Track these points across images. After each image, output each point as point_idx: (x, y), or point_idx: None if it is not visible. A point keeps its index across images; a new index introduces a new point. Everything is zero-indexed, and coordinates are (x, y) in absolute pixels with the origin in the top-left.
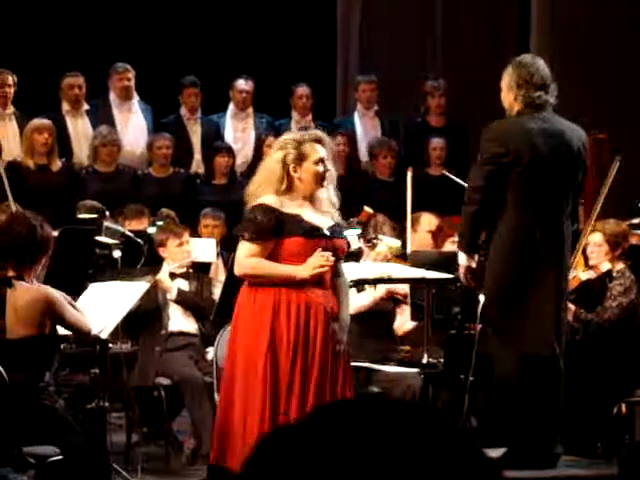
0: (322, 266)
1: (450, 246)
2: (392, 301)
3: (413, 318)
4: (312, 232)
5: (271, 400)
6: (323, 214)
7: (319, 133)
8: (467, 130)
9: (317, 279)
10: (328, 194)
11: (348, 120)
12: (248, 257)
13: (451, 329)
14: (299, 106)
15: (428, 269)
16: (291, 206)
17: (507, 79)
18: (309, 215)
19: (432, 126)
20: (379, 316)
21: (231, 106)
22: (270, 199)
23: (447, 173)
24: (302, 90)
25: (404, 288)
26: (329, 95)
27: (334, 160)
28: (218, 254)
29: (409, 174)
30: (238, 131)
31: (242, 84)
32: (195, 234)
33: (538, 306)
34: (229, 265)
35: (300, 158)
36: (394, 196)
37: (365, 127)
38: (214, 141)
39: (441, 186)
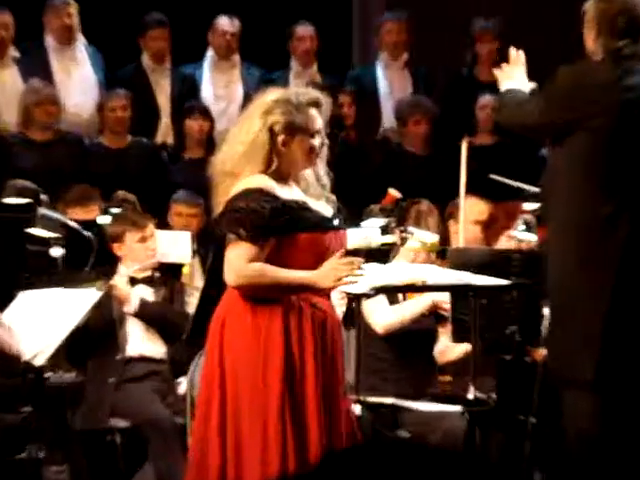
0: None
1: (505, 242)
2: (434, 318)
3: (455, 339)
4: (324, 224)
5: (295, 442)
6: (317, 198)
7: (316, 93)
8: None
9: None
10: (317, 173)
11: (368, 72)
12: (247, 262)
13: (506, 354)
14: (300, 52)
15: (475, 273)
16: (283, 191)
17: (588, 14)
18: (310, 202)
19: (481, 81)
20: (417, 337)
21: (210, 53)
22: (263, 181)
23: (496, 177)
24: (303, 30)
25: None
26: (343, 40)
27: (326, 127)
28: (194, 252)
29: (464, 145)
30: (220, 87)
31: (225, 24)
32: (163, 225)
33: (611, 321)
34: (208, 267)
35: (293, 128)
36: (429, 174)
37: (391, 82)
38: (188, 100)
39: (495, 160)
